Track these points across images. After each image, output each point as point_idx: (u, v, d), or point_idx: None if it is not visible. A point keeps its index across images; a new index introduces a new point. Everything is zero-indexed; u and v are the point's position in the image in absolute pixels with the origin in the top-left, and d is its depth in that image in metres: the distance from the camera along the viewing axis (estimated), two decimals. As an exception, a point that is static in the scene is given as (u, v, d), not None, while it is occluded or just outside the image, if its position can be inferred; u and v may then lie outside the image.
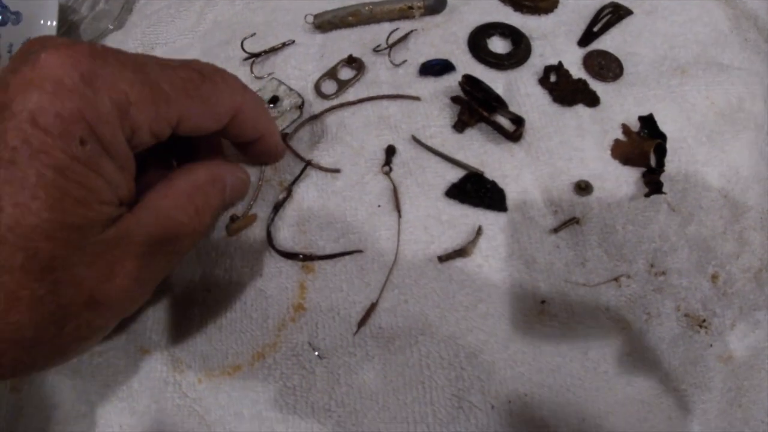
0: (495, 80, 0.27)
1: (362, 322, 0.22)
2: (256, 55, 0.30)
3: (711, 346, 0.25)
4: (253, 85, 0.27)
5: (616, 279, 0.24)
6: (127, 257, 0.17)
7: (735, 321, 0.26)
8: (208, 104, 0.20)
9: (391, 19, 0.31)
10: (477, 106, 0.24)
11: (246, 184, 0.24)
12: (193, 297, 0.24)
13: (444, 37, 0.29)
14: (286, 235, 0.25)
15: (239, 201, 0.25)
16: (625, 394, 0.23)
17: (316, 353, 0.22)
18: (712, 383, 0.25)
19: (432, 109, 0.26)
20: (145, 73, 0.17)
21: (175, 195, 0.19)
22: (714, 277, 0.26)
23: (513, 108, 0.26)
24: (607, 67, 0.28)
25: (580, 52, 0.29)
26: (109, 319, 0.18)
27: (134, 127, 0.17)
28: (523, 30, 0.29)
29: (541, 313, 0.23)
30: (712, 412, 0.24)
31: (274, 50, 0.30)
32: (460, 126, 0.25)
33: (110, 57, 0.16)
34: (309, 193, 0.25)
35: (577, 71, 0.28)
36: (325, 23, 0.31)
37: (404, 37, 0.29)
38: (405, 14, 0.30)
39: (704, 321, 0.25)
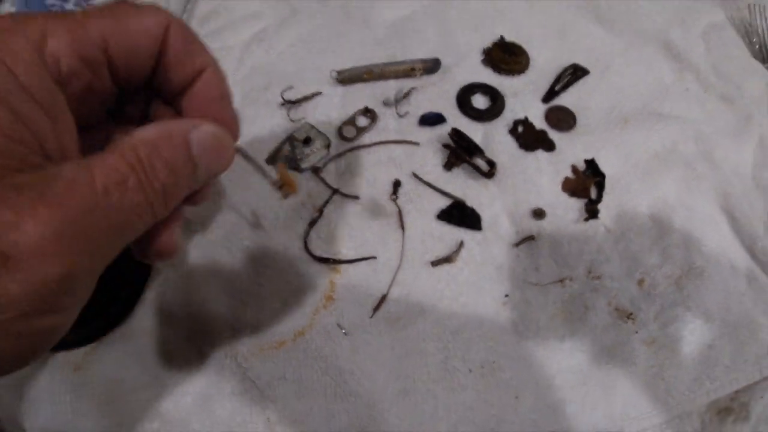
0: (476, 130, 0.41)
1: (376, 308, 0.35)
2: (292, 102, 0.44)
3: (636, 332, 0.38)
4: (289, 127, 0.41)
5: (561, 281, 0.37)
6: (40, 204, 0.16)
7: (657, 315, 0.39)
8: (131, 19, 0.20)
9: (397, 77, 0.44)
10: (461, 152, 0.38)
11: (222, 141, 0.22)
12: (248, 289, 0.37)
13: (438, 93, 0.43)
14: (319, 244, 0.38)
15: (222, 165, 0.22)
16: (568, 364, 0.36)
17: (343, 331, 0.35)
18: (638, 360, 0.38)
19: (428, 152, 0.40)
20: (59, 12, 0.19)
21: (113, 150, 0.18)
22: (640, 282, 0.40)
23: (488, 153, 0.39)
24: (563, 119, 0.42)
25: (543, 107, 0.43)
26: (25, 286, 0.15)
27: (56, 55, 0.18)
28: (500, 89, 0.43)
29: (505, 303, 0.36)
30: (638, 382, 0.37)
31: (306, 99, 0.44)
32: (448, 166, 0.39)
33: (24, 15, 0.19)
34: (336, 214, 0.39)
35: (539, 123, 0.42)
36: (346, 78, 0.44)
37: (407, 94, 0.43)
38: (408, 74, 0.44)
39: (631, 314, 0.39)
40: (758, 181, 0.46)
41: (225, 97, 0.24)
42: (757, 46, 0.55)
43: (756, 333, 0.40)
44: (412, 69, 0.44)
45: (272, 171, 0.31)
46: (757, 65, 0.54)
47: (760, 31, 0.56)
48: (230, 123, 0.24)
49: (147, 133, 0.19)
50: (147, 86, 0.23)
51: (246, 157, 0.31)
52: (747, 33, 0.56)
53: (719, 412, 0.39)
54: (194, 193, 0.22)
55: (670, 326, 0.39)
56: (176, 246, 0.23)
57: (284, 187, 0.32)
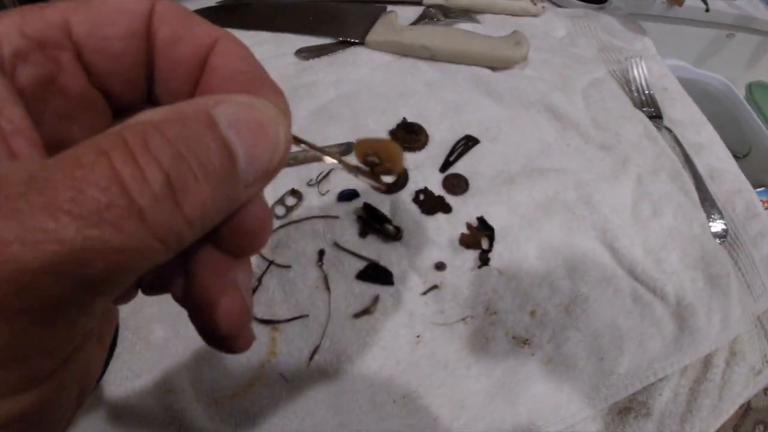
0: (384, 201, 0.59)
1: (311, 358, 0.52)
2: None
3: (533, 355, 0.55)
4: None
5: (463, 319, 0.55)
6: None
7: (550, 338, 0.56)
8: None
9: (317, 161, 0.63)
10: (372, 222, 0.56)
11: (267, 114, 0.18)
12: (205, 351, 0.53)
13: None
14: (261, 308, 0.54)
15: (274, 151, 0.18)
16: (476, 388, 0.53)
17: (286, 379, 0.51)
18: (537, 378, 0.54)
19: (346, 224, 0.58)
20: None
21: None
22: (533, 312, 0.57)
23: (396, 219, 0.57)
24: (458, 185, 0.61)
25: (440, 176, 0.62)
26: None
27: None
28: (404, 164, 0.62)
29: (418, 343, 0.53)
30: (540, 396, 0.54)
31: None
32: (363, 234, 0.57)
33: None
34: (272, 282, 0.56)
35: (438, 190, 0.60)
36: (273, 166, 0.63)
37: (326, 174, 0.61)
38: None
39: (527, 340, 0.56)
40: (636, 214, 0.65)
41: (254, 68, 0.20)
42: (635, 94, 0.76)
43: (646, 342, 0.57)
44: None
45: (351, 159, 0.26)
46: (635, 111, 0.75)
47: (636, 80, 0.77)
48: (273, 97, 0.20)
49: (147, 114, 0.16)
50: (150, 99, 0.22)
51: (309, 145, 0.23)
52: (627, 83, 0.78)
53: (620, 412, 0.56)
54: (243, 220, 0.19)
55: (563, 346, 0.56)
56: (246, 321, 0.21)
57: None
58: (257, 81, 0.20)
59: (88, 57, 0.19)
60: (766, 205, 0.88)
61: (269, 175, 0.18)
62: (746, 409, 0.91)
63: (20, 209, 0.13)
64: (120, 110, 0.22)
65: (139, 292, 0.23)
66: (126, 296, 0.23)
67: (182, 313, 0.22)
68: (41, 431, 0.17)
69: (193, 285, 0.20)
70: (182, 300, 0.21)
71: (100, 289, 0.15)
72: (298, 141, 0.21)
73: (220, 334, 0.20)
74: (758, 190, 0.87)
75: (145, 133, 0.15)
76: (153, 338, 0.52)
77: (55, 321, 0.14)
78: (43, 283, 0.13)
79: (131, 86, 0.21)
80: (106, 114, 0.21)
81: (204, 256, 0.20)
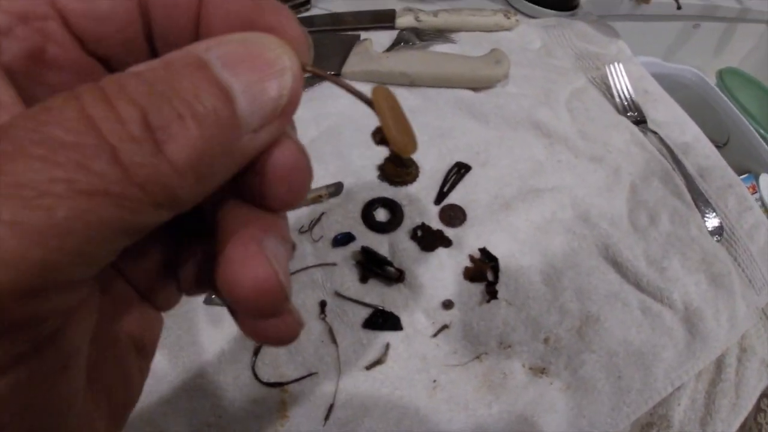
0: (382, 242, 0.57)
1: (327, 417, 0.50)
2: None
3: (551, 384, 0.54)
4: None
5: (478, 357, 0.53)
6: None
7: (566, 364, 0.55)
8: None
9: (307, 206, 0.60)
10: (372, 266, 0.54)
11: (269, 47, 0.16)
12: (208, 420, 0.51)
13: (344, 214, 0.59)
14: (266, 370, 0.52)
15: (282, 87, 0.16)
16: (499, 426, 0.51)
17: (302, 444, 0.49)
18: (557, 406, 0.53)
19: (344, 270, 0.56)
20: None
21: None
22: (546, 340, 0.56)
23: (396, 260, 0.56)
24: (455, 216, 0.59)
25: (436, 209, 0.60)
26: None
27: None
28: (397, 199, 0.60)
29: (434, 388, 0.52)
30: (563, 424, 0.53)
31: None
32: (364, 279, 0.54)
33: None
34: (277, 342, 0.53)
35: (435, 224, 0.59)
36: (262, 215, 0.60)
37: (318, 219, 0.59)
38: (316, 201, 0.60)
39: (544, 369, 0.55)
40: (634, 224, 0.65)
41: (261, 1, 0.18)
42: (617, 100, 0.76)
43: (659, 353, 0.56)
44: (320, 196, 0.60)
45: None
46: (620, 118, 0.74)
47: (617, 86, 0.76)
48: (280, 21, 0.17)
49: (131, 68, 0.15)
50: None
51: (325, 76, 0.20)
52: (608, 89, 0.77)
53: (642, 428, 0.55)
54: (262, 170, 0.17)
55: (579, 371, 0.55)
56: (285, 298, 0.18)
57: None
58: (259, 7, 0.18)
59: (76, 23, 0.18)
60: (750, 191, 0.89)
61: (283, 114, 0.16)
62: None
63: None
64: None
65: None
66: (167, 300, 0.22)
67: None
68: (43, 413, 0.15)
69: (216, 257, 0.18)
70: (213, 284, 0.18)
71: (76, 249, 0.13)
72: (311, 72, 0.19)
73: (249, 313, 0.18)
74: (742, 177, 0.87)
75: (121, 78, 0.14)
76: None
77: None
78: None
79: (129, 48, 0.19)
80: None
81: (227, 219, 0.18)
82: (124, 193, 0.13)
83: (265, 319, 0.18)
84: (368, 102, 0.20)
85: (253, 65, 0.15)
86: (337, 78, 0.20)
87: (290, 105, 0.17)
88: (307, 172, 0.18)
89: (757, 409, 0.65)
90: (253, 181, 0.18)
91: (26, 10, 0.17)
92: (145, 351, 0.21)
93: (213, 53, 0.15)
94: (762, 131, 0.90)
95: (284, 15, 0.18)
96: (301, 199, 0.19)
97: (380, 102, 0.20)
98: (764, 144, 0.87)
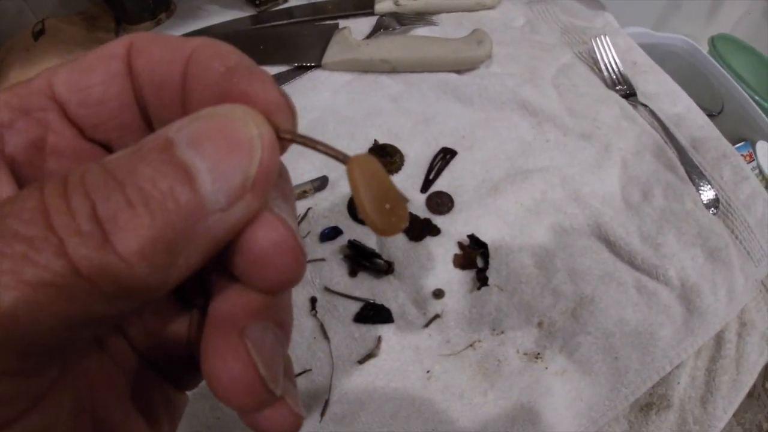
0: (369, 234, 0.57)
1: (323, 413, 0.50)
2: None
3: (547, 368, 0.54)
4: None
5: (471, 345, 0.53)
6: None
7: (562, 348, 0.55)
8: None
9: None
10: (360, 260, 0.54)
11: (223, 121, 0.15)
12: (207, 422, 0.51)
13: (330, 208, 0.59)
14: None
15: (242, 157, 0.15)
16: (496, 413, 0.51)
17: (298, 442, 0.49)
18: (554, 391, 0.53)
19: (333, 265, 0.55)
20: None
21: None
22: (540, 324, 0.55)
23: (384, 252, 0.55)
24: (442, 203, 0.58)
25: (423, 197, 0.59)
26: None
27: None
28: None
29: (429, 378, 0.51)
30: (561, 409, 0.53)
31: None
32: (353, 274, 0.54)
33: None
34: (268, 341, 0.53)
35: (422, 212, 0.58)
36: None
37: (305, 215, 0.58)
38: (302, 196, 0.60)
39: (538, 354, 0.54)
40: (627, 201, 0.64)
41: (232, 61, 0.17)
42: (605, 74, 0.74)
43: (657, 332, 0.56)
44: (305, 191, 0.59)
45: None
46: (609, 93, 0.73)
47: (605, 59, 0.75)
48: (255, 97, 0.17)
49: (109, 155, 0.15)
50: None
51: (308, 143, 0.18)
52: (595, 63, 0.76)
53: (641, 409, 0.55)
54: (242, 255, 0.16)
55: (575, 353, 0.54)
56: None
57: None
58: (233, 75, 0.17)
59: (73, 111, 0.18)
60: (747, 159, 0.88)
61: (255, 187, 0.15)
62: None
63: None
64: None
65: None
66: (193, 380, 0.22)
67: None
68: None
69: (201, 344, 0.17)
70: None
71: (29, 340, 0.13)
72: (290, 140, 0.18)
73: (232, 408, 0.17)
74: (737, 145, 0.86)
75: (86, 169, 0.14)
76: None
77: None
78: None
79: (127, 131, 0.19)
80: None
81: (216, 300, 0.18)
82: (70, 285, 0.13)
83: (252, 413, 0.18)
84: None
85: (219, 141, 0.15)
86: (316, 141, 0.18)
87: (263, 176, 0.16)
88: (297, 252, 0.17)
89: (766, 376, 0.65)
90: (237, 262, 0.17)
91: (27, 103, 0.18)
92: (158, 426, 0.21)
93: (182, 133, 0.15)
94: (757, 98, 0.89)
95: (258, 80, 0.17)
96: (295, 282, 0.18)
97: (354, 173, 0.18)
98: (759, 111, 0.85)
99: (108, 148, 0.20)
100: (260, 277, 0.17)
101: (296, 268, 0.17)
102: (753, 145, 0.87)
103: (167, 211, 0.14)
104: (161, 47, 0.18)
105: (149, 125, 0.20)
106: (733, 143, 0.74)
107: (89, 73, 0.18)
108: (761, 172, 0.85)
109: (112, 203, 0.13)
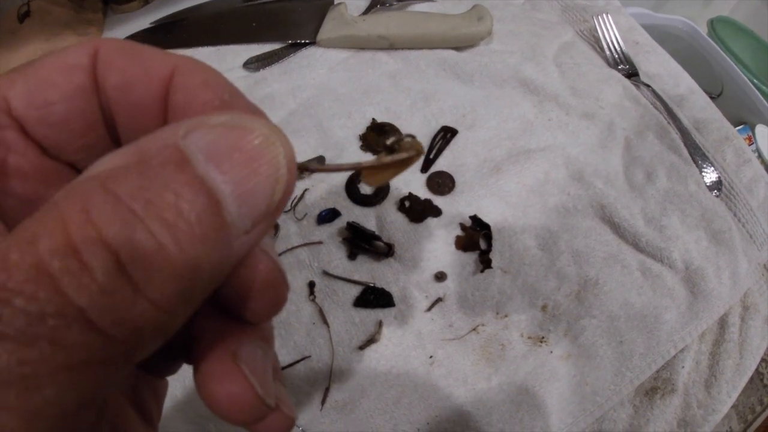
0: (368, 215, 0.55)
1: (323, 401, 0.48)
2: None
3: (551, 352, 0.53)
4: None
5: (474, 329, 0.52)
6: None
7: (566, 331, 0.54)
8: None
9: (289, 182, 0.58)
10: (360, 242, 0.52)
11: (255, 132, 0.14)
12: (206, 413, 0.49)
13: (328, 189, 0.57)
14: (256, 359, 0.50)
15: (271, 180, 0.14)
16: (500, 398, 0.50)
17: (300, 428, 0.48)
18: (559, 375, 0.52)
19: (331, 248, 0.54)
20: None
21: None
22: (544, 307, 0.54)
23: (384, 234, 0.54)
24: (443, 183, 0.57)
25: (423, 177, 0.58)
26: None
27: None
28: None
29: (432, 364, 0.50)
30: (566, 393, 0.52)
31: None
32: (352, 256, 0.53)
33: None
34: (264, 326, 0.52)
35: (423, 193, 0.56)
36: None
37: (301, 196, 0.57)
38: (298, 177, 0.58)
39: (543, 338, 0.53)
40: (631, 182, 0.63)
41: (220, 92, 0.17)
42: (608, 53, 0.73)
43: (661, 315, 0.55)
44: (301, 171, 0.57)
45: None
46: (611, 72, 0.72)
47: (607, 38, 0.74)
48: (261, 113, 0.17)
49: (101, 163, 0.13)
50: None
51: (322, 169, 0.19)
52: (597, 42, 0.74)
53: (646, 393, 0.54)
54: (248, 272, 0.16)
55: (580, 337, 0.54)
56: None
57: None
58: (226, 107, 0.17)
59: (33, 129, 0.16)
60: (748, 142, 0.87)
61: (273, 214, 0.14)
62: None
63: None
64: None
65: None
66: (171, 367, 0.22)
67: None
68: None
69: (195, 368, 0.17)
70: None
71: (73, 412, 0.12)
72: (303, 169, 0.17)
73: (232, 424, 0.17)
74: (738, 128, 0.86)
75: (86, 197, 0.12)
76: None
77: None
78: None
79: (93, 149, 0.17)
80: None
81: (203, 327, 0.18)
82: (105, 352, 0.12)
83: (250, 426, 0.18)
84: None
85: (243, 158, 0.13)
86: (328, 165, 0.19)
87: (285, 200, 0.15)
88: (285, 287, 0.17)
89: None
90: (229, 295, 0.17)
91: None
92: (150, 417, 0.21)
93: (194, 141, 0.13)
94: (756, 81, 0.88)
95: (257, 112, 0.17)
96: (277, 313, 0.18)
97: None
98: (759, 94, 0.85)
99: (74, 167, 0.18)
100: (252, 310, 0.17)
101: (282, 302, 0.18)
102: (752, 128, 0.87)
103: (199, 243, 0.12)
104: (134, 63, 0.17)
105: (119, 144, 0.18)
106: (733, 126, 0.73)
107: (49, 88, 0.16)
108: (760, 155, 0.85)
109: (140, 244, 0.12)
